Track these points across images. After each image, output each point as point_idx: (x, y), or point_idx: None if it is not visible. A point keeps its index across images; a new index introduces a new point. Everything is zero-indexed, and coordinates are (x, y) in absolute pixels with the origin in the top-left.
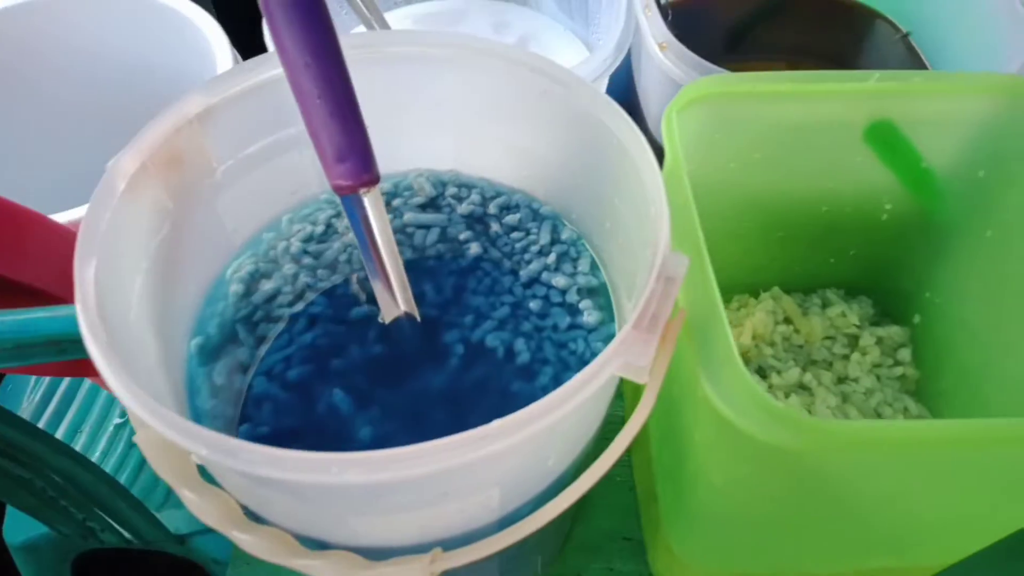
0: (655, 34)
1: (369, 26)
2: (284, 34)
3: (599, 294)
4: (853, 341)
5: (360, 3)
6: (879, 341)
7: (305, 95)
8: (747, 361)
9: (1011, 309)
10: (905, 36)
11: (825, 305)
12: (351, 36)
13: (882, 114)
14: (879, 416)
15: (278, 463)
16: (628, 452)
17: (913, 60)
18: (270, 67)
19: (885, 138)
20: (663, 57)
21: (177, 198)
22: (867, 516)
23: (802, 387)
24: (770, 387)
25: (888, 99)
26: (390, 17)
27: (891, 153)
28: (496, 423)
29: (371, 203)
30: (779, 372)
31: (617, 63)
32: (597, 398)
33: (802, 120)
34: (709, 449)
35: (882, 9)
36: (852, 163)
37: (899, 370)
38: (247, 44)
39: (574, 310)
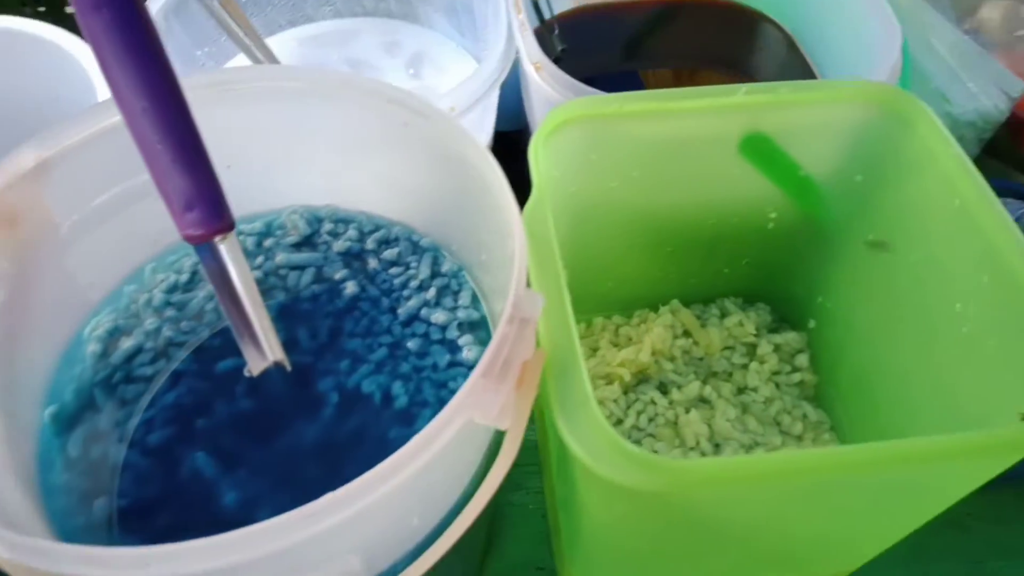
0: (530, 55)
1: (248, 53)
2: (118, 78)
3: (480, 328)
4: (752, 350)
5: (238, 30)
6: (777, 348)
7: (145, 142)
8: (648, 378)
9: (893, 309)
10: (788, 36)
11: (724, 315)
12: (200, 75)
13: (754, 126)
14: (778, 425)
15: (90, 561)
16: (544, 475)
17: (799, 62)
18: (113, 112)
19: (760, 149)
20: (538, 78)
21: (16, 260)
22: (748, 540)
23: (703, 400)
24: (671, 403)
25: (758, 111)
26: (276, 40)
27: (768, 164)
28: (327, 497)
29: (227, 250)
30: (680, 387)
31: (501, 79)
32: (460, 447)
33: (675, 136)
34: (584, 487)
35: (770, 13)
36: (731, 175)
37: (797, 376)
38: None
39: (454, 347)
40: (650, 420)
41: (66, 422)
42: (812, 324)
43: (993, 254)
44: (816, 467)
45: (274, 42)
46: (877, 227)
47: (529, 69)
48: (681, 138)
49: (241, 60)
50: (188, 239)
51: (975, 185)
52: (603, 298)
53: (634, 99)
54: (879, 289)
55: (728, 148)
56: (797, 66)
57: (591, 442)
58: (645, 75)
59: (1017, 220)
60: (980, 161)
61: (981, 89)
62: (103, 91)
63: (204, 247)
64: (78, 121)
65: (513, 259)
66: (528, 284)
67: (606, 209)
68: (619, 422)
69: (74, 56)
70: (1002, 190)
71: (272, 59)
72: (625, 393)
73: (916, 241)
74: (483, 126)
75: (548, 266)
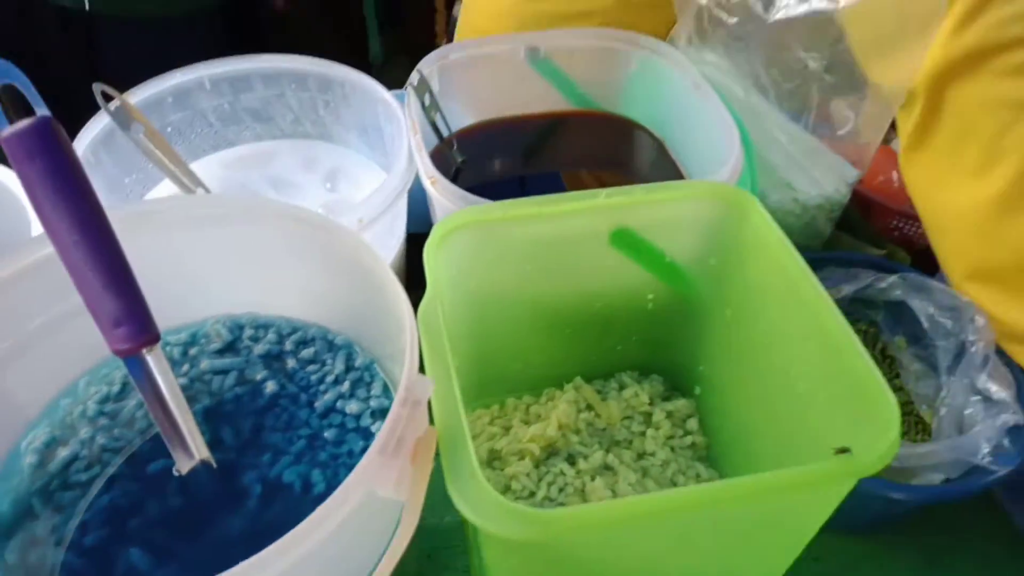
0: (426, 171)
1: (173, 178)
2: (50, 216)
3: None
4: (648, 418)
5: (163, 159)
6: (669, 415)
7: (76, 269)
8: (557, 451)
9: (750, 372)
10: (658, 141)
11: (621, 388)
12: (127, 206)
13: (620, 222)
14: (674, 484)
15: None
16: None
17: (668, 163)
18: (44, 244)
19: (628, 241)
20: (434, 191)
21: None
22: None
23: (607, 467)
24: (578, 472)
25: (620, 210)
26: (201, 164)
27: (636, 253)
28: (239, 568)
29: (154, 361)
30: (585, 457)
31: (405, 190)
32: (365, 521)
33: (555, 235)
34: (485, 547)
35: (643, 122)
36: (609, 264)
37: (689, 439)
38: None
39: (367, 433)
40: (560, 490)
41: (4, 531)
42: (698, 391)
43: (818, 324)
44: (663, 507)
45: (199, 166)
46: (732, 302)
47: (426, 183)
48: (560, 236)
49: (167, 185)
50: (118, 353)
51: (798, 266)
52: (514, 380)
53: (514, 206)
54: (739, 356)
55: (601, 242)
56: (668, 166)
57: (479, 503)
58: (566, 176)
59: (867, 288)
60: (835, 236)
61: (823, 176)
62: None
63: (133, 359)
64: (13, 255)
65: (406, 349)
66: (422, 370)
67: (506, 300)
68: (532, 494)
69: (6, 184)
70: (855, 261)
71: (197, 183)
72: (536, 467)
73: (760, 313)
74: (394, 231)
75: (439, 354)
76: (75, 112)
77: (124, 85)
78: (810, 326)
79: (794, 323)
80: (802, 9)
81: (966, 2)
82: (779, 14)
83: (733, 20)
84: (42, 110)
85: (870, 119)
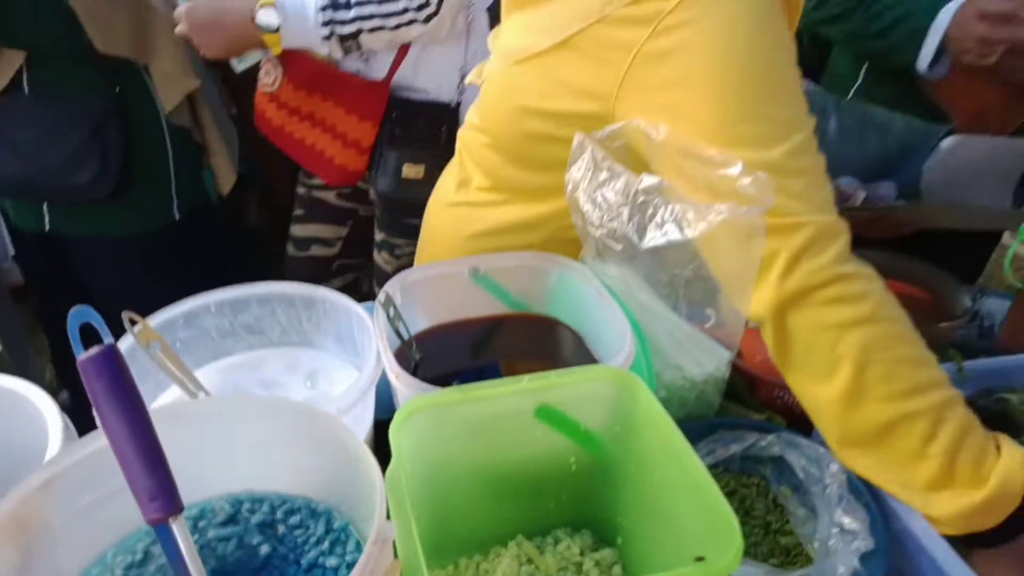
0: (391, 367)
1: (180, 385)
2: (108, 415)
3: None
4: (580, 567)
5: (173, 369)
6: (597, 564)
7: (125, 455)
8: None
9: (658, 521)
10: (577, 335)
11: (556, 542)
12: (159, 408)
13: (542, 400)
14: None
15: None
16: None
17: (585, 351)
18: (94, 441)
19: (549, 416)
20: (398, 383)
21: (23, 552)
22: None
23: None
24: None
25: (540, 391)
26: (203, 371)
27: (558, 424)
28: None
29: (178, 528)
30: None
31: (374, 384)
32: None
33: (491, 412)
34: None
35: (564, 320)
36: (537, 436)
37: None
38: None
39: None
40: None
41: None
42: (620, 540)
43: (687, 472)
44: None
45: (201, 373)
46: (635, 460)
47: (391, 377)
48: (496, 413)
49: (175, 389)
50: (151, 522)
51: (672, 428)
52: (465, 541)
53: (460, 391)
54: (643, 505)
55: (529, 416)
56: (585, 354)
57: None
58: (505, 365)
59: (751, 446)
60: (725, 405)
61: (703, 357)
62: (54, 430)
63: (163, 527)
64: (73, 449)
65: (375, 503)
66: (388, 517)
67: (456, 469)
68: None
69: (28, 397)
70: (741, 425)
71: (199, 388)
72: None
73: (653, 467)
74: (364, 418)
75: (402, 508)
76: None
77: (101, 299)
78: (682, 474)
79: (673, 472)
80: (663, 240)
81: (786, 257)
82: (649, 243)
83: (619, 247)
84: (108, 339)
85: (727, 316)
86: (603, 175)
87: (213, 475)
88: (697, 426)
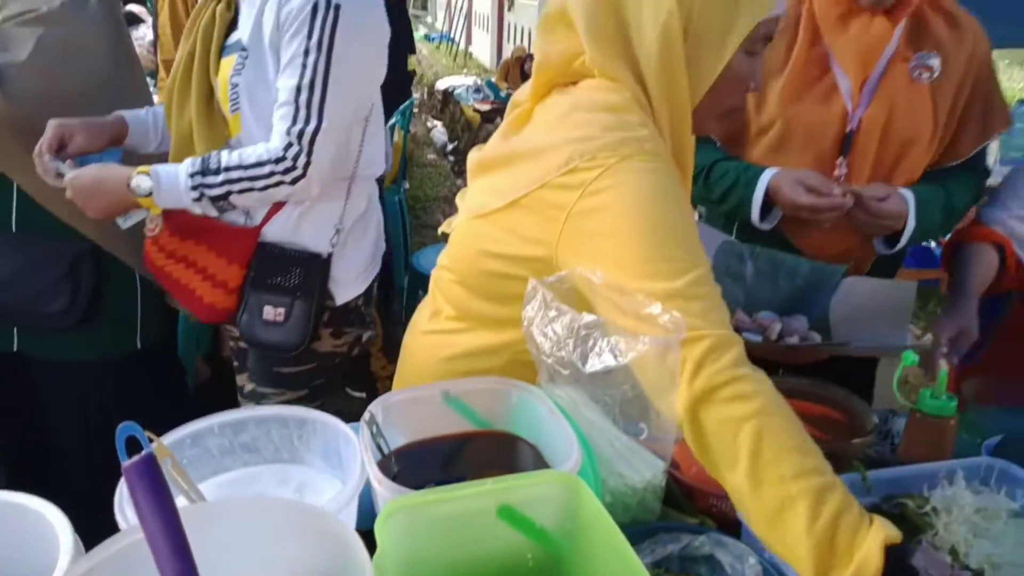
0: (375, 476)
1: (187, 496)
2: (147, 513)
3: None
4: None
5: (182, 483)
6: None
7: (157, 546)
8: None
9: None
10: (535, 448)
11: None
12: (186, 510)
13: (503, 501)
14: None
15: None
16: None
17: (542, 461)
18: (124, 539)
19: (509, 515)
20: (380, 488)
21: None
22: None
23: None
24: None
25: (500, 493)
26: (205, 485)
27: (516, 523)
28: None
29: None
30: None
31: (357, 494)
32: None
33: (462, 512)
34: None
35: (525, 437)
36: (499, 533)
37: None
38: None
39: None
40: None
41: None
42: None
43: (625, 562)
44: None
45: (204, 487)
46: (584, 554)
47: (374, 483)
48: (466, 513)
49: (181, 500)
50: None
51: (612, 526)
52: None
53: (432, 493)
54: None
55: (492, 516)
56: (542, 464)
57: None
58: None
59: (687, 546)
60: (665, 511)
61: (641, 467)
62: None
63: None
64: (104, 548)
65: None
66: None
67: (433, 560)
68: None
69: (41, 512)
70: (678, 528)
71: (202, 498)
72: None
73: (599, 560)
74: (348, 523)
75: None
76: None
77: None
78: (625, 570)
79: (616, 568)
80: (601, 366)
81: (692, 363)
82: (591, 368)
83: (567, 372)
84: (148, 448)
85: (657, 431)
86: (552, 313)
87: (220, 568)
88: (640, 529)
